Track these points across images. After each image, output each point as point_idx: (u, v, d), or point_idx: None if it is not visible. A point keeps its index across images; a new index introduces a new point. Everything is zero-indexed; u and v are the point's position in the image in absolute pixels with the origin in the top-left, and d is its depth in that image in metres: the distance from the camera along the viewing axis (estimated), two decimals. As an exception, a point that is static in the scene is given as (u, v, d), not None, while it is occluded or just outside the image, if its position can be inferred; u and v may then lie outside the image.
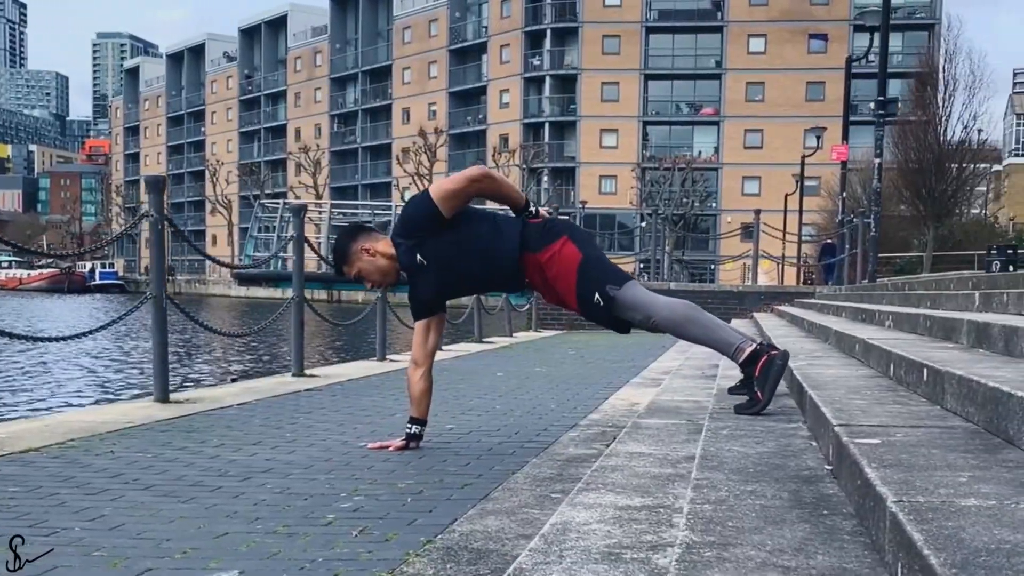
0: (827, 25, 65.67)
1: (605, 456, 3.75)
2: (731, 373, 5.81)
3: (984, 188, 44.45)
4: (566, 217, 4.70)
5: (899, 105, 34.16)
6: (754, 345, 4.29)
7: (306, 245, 8.98)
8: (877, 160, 18.91)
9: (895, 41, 62.89)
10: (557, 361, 10.68)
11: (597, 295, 4.45)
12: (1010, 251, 21.50)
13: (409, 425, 4.78)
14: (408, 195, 69.46)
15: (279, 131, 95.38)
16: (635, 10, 68.22)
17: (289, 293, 8.83)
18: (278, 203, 30.43)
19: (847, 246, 19.86)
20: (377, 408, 6.48)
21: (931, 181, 35.21)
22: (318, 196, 75.55)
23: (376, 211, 38.09)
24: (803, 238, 36.91)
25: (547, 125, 71.09)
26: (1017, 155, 69.99)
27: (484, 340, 14.14)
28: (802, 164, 35.50)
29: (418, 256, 4.52)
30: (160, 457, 4.57)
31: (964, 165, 36.79)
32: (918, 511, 1.69)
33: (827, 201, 47.96)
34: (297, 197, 71.52)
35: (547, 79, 71.39)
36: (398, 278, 4.79)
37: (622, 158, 66.68)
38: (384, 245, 4.66)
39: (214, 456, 4.60)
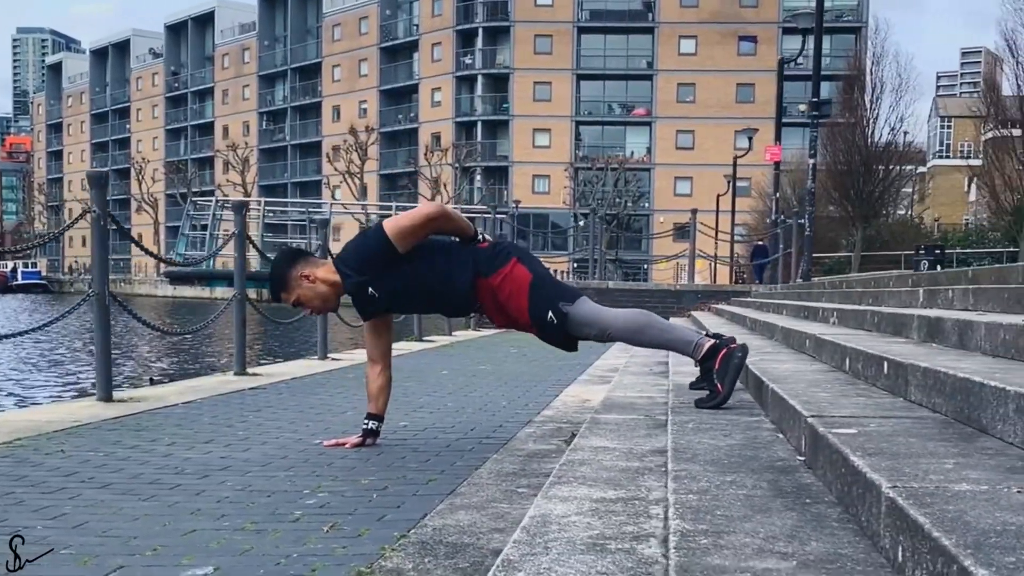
0: (756, 27, 66.54)
1: (571, 450, 3.76)
2: (683, 369, 5.86)
3: (910, 189, 45.21)
4: (512, 241, 4.69)
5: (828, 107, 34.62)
6: (712, 340, 4.34)
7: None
8: (811, 161, 19.20)
9: (826, 44, 63.91)
10: (500, 359, 10.68)
11: (550, 313, 4.44)
12: (937, 251, 21.98)
13: (366, 421, 4.75)
14: (339, 194, 69.18)
15: (206, 128, 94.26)
16: (567, 10, 68.51)
17: (218, 292, 8.73)
18: (211, 201, 30.06)
19: (781, 246, 20.13)
20: (326, 406, 6.43)
21: (859, 182, 35.80)
22: (246, 194, 74.76)
23: (310, 208, 37.85)
24: (735, 238, 37.32)
25: (480, 124, 71.12)
26: (941, 157, 71.46)
27: (424, 339, 14.12)
28: (734, 165, 35.92)
29: (370, 290, 4.46)
30: (112, 455, 4.50)
31: (891, 167, 37.44)
32: (916, 496, 1.72)
33: (758, 202, 48.58)
34: (225, 195, 70.70)
35: (479, 78, 71.43)
36: (339, 304, 4.70)
37: (555, 158, 66.92)
38: (325, 271, 4.54)
39: (167, 454, 4.54)
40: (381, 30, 78.14)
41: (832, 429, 2.48)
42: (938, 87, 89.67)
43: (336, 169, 71.87)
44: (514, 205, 38.17)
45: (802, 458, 2.78)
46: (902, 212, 44.78)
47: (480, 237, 4.60)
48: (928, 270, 20.70)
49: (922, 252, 21.43)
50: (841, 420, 2.67)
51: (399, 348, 12.58)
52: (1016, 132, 33.03)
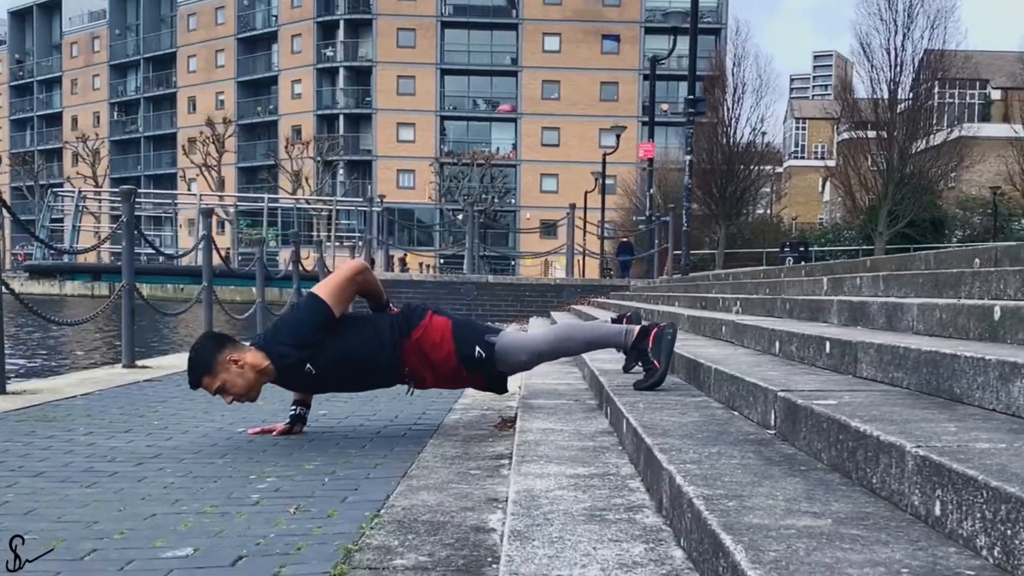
0: (619, 26, 67.56)
1: (520, 432, 3.80)
2: (599, 356, 5.94)
3: (768, 189, 46.53)
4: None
5: (704, 104, 35.24)
6: (639, 325, 4.54)
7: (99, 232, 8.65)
8: (688, 157, 19.59)
9: (684, 44, 65.27)
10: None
11: (478, 349, 4.47)
12: (802, 248, 22.70)
13: (294, 407, 4.70)
14: (195, 187, 67.61)
15: (54, 119, 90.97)
16: (430, 4, 68.44)
17: (68, 288, 8.40)
18: (73, 192, 29.09)
19: (657, 241, 20.48)
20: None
21: (722, 181, 36.67)
22: (97, 187, 72.46)
23: (160, 199, 36.89)
24: (604, 234, 37.83)
25: (342, 117, 70.45)
26: (797, 158, 73.71)
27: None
28: (604, 162, 36.40)
29: (308, 366, 4.33)
30: (32, 445, 4.35)
31: (752, 167, 38.47)
32: (947, 453, 1.80)
33: (623, 199, 49.29)
34: (75, 188, 68.39)
35: (341, 71, 70.76)
36: (259, 393, 4.47)
37: (420, 152, 66.75)
38: (253, 356, 4.33)
39: (90, 443, 4.42)
40: (238, 20, 76.67)
41: (813, 401, 2.56)
42: (791, 89, 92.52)
43: (192, 162, 70.22)
44: (379, 199, 37.97)
45: (772, 431, 2.86)
46: (761, 211, 46.05)
47: (390, 305, 4.67)
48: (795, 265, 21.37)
49: (787, 249, 22.12)
50: (812, 394, 2.76)
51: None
52: (871, 134, 34.29)
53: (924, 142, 33.71)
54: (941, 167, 34.15)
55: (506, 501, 3.15)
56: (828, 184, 61.06)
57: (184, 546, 2.67)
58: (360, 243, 17.99)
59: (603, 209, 36.69)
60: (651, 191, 25.01)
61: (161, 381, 7.25)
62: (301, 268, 14.45)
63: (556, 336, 4.71)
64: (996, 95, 50.45)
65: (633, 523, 2.34)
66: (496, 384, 4.71)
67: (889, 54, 34.88)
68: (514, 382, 6.89)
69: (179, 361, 9.01)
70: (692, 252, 37.13)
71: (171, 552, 2.62)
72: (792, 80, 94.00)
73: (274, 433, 4.63)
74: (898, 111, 33.99)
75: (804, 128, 77.93)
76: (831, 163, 61.05)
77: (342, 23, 70.32)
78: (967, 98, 47.48)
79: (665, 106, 65.28)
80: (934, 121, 36.02)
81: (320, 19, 71.00)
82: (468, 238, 20.80)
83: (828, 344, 3.56)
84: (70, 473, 3.72)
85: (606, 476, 2.91)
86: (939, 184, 35.13)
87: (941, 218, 37.19)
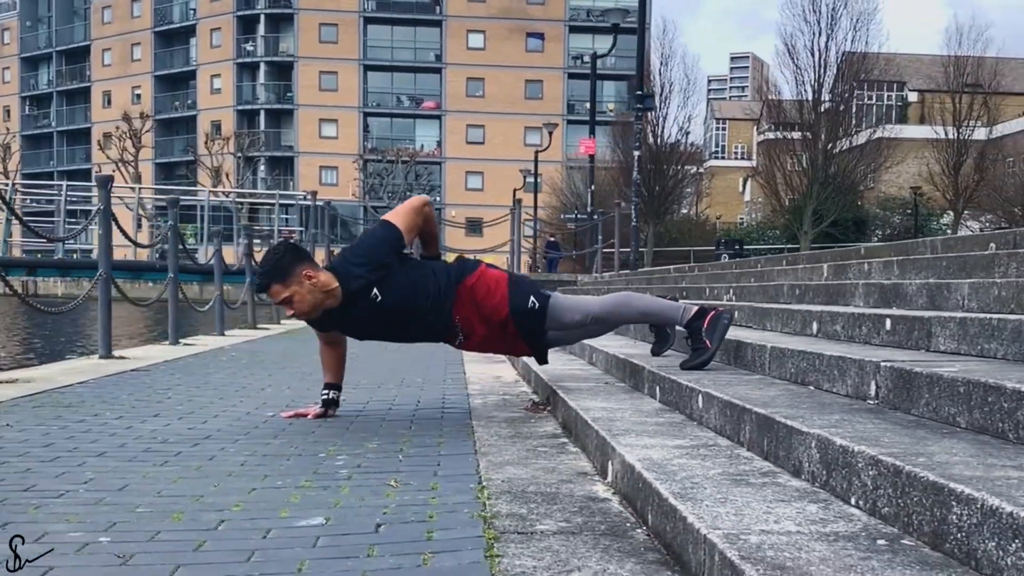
0: (543, 24, 67.80)
1: (584, 410, 3.84)
2: (611, 343, 6.02)
3: (691, 189, 47.13)
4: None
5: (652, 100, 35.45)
6: (697, 306, 4.54)
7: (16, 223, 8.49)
8: (636, 153, 19.77)
9: (607, 44, 65.78)
10: (349, 341, 10.63)
11: (532, 298, 4.49)
12: (737, 246, 23.07)
13: (326, 391, 4.67)
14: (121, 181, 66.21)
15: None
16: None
17: None
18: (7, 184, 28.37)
19: (600, 236, 20.63)
20: (237, 384, 6.31)
21: (650, 180, 37.06)
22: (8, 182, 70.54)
23: (70, 191, 36.10)
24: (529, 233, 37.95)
25: (263, 113, 69.62)
26: (717, 158, 74.75)
27: (258, 326, 13.86)
28: (536, 160, 36.61)
29: (375, 291, 4.31)
30: (70, 428, 4.29)
31: (679, 166, 38.97)
32: None
33: (551, 197, 49.49)
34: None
35: (262, 65, 69.94)
36: (320, 316, 4.48)
37: (343, 149, 66.28)
38: (326, 277, 4.33)
39: (128, 427, 4.36)
40: (155, 13, 75.31)
41: (934, 368, 2.65)
42: (709, 90, 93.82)
43: (108, 157, 68.81)
44: (307, 195, 37.65)
45: (874, 401, 2.94)
46: (685, 211, 46.62)
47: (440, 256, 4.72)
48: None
49: (722, 247, 22.45)
50: (917, 363, 2.84)
51: (240, 334, 12.37)
52: (795, 134, 34.95)
53: (848, 142, 34.46)
54: (863, 168, 34.94)
55: (597, 473, 3.20)
56: (749, 184, 62.03)
57: (311, 516, 2.67)
58: (301, 239, 17.81)
59: (535, 207, 36.83)
60: (592, 188, 25.15)
61: (149, 371, 7.15)
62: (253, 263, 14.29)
63: (614, 301, 4.67)
64: (913, 97, 51.74)
65: (782, 486, 2.40)
66: (539, 349, 4.72)
67: (813, 55, 35.59)
68: (499, 371, 6.99)
69: (155, 352, 8.89)
70: (622, 250, 37.52)
71: (303, 521, 2.62)
72: (710, 81, 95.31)
73: (309, 416, 4.60)
74: (822, 111, 34.69)
75: (724, 128, 79.08)
76: (751, 163, 62.12)
77: (263, 17, 69.53)
78: (884, 100, 48.57)
79: (589, 105, 65.73)
80: (855, 122, 36.82)
81: (240, 13, 70.09)
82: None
83: (889, 321, 3.65)
84: (134, 453, 3.68)
85: (709, 447, 2.97)
86: (861, 184, 35.94)
87: (863, 218, 38.09)
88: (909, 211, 39.75)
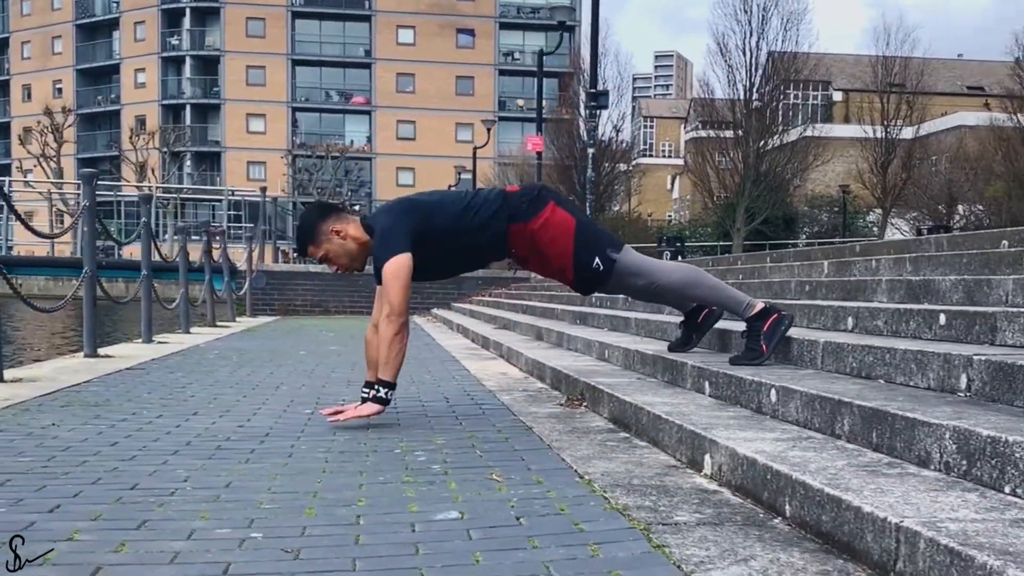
0: (474, 20, 67.75)
1: (646, 405, 3.93)
2: (620, 340, 6.12)
3: (622, 186, 47.51)
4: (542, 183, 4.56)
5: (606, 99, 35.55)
6: (763, 303, 4.46)
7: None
8: (591, 151, 19.89)
9: (538, 40, 65.87)
10: (323, 340, 10.66)
11: (597, 259, 4.40)
12: (678, 243, 23.37)
13: (380, 389, 4.29)
14: (31, 178, 64.86)
15: None
16: (280, -7, 67.44)
17: None
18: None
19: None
20: (251, 382, 6.33)
21: (583, 177, 37.27)
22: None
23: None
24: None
25: (189, 107, 68.59)
26: (645, 155, 75.46)
27: (218, 324, 13.77)
28: (474, 157, 36.54)
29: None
30: (122, 427, 4.28)
31: (613, 164, 39.27)
32: None
33: (480, 192, 49.49)
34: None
35: (188, 60, 68.87)
36: (364, 264, 4.52)
37: (271, 144, 65.55)
38: (355, 229, 4.38)
39: (177, 425, 4.37)
40: (76, 5, 73.71)
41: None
42: (634, 88, 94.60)
43: (29, 152, 67.32)
44: (261, 192, 37.26)
45: (965, 394, 3.07)
46: (617, 208, 46.99)
47: None
48: (671, 259, 21.99)
49: (664, 243, 22.70)
50: (1010, 355, 2.98)
51: (204, 332, 12.30)
52: (727, 133, 35.44)
53: (779, 139, 35.02)
54: (793, 167, 35.56)
55: (686, 466, 3.30)
56: (677, 182, 62.74)
57: (443, 510, 2.73)
58: (252, 236, 17.71)
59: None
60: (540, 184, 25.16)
61: (146, 369, 7.12)
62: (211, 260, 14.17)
63: (683, 277, 4.53)
64: (838, 96, 52.74)
65: (918, 477, 2.50)
66: (589, 293, 4.70)
67: (745, 54, 36.12)
68: (502, 367, 7.06)
69: (136, 351, 8.82)
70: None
71: (440, 515, 2.68)
72: (635, 79, 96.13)
73: (365, 415, 4.28)
74: (755, 109, 35.21)
75: (652, 126, 79.86)
76: (679, 161, 62.78)
77: (188, 11, 68.48)
78: (810, 99, 49.42)
79: (521, 102, 65.89)
80: (784, 121, 37.42)
81: (165, 6, 68.95)
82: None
83: (943, 316, 3.80)
84: (206, 450, 3.70)
85: (806, 439, 3.08)
86: (791, 183, 36.55)
87: (792, 215, 38.72)
88: (836, 209, 40.52)
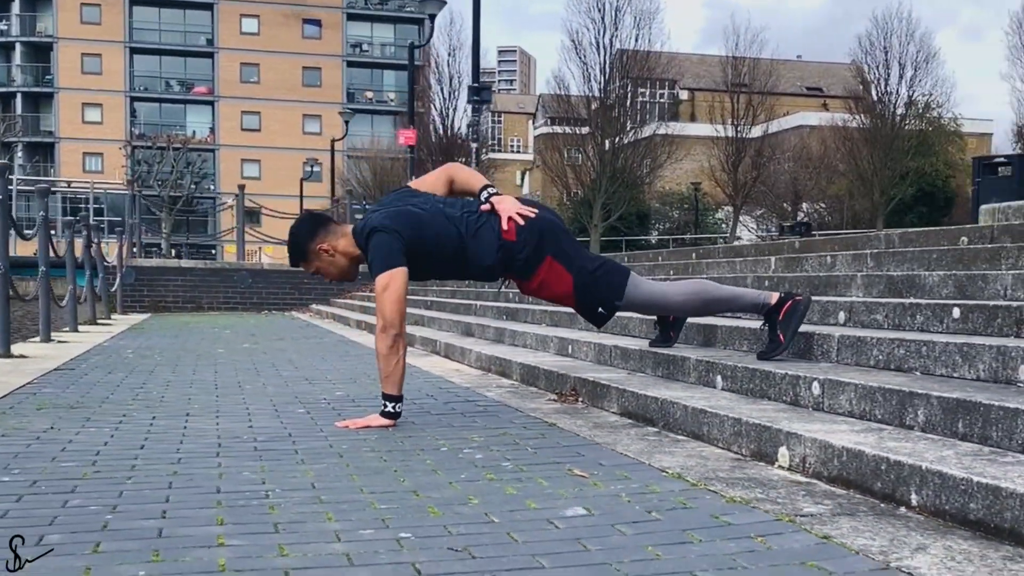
0: (320, 11, 66.79)
1: (678, 400, 4.00)
2: (595, 338, 6.19)
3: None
4: (536, 210, 4.29)
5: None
6: (777, 294, 4.44)
7: None
8: (474, 145, 19.91)
9: (387, 33, 65.57)
10: (227, 338, 10.44)
11: (601, 308, 4.46)
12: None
13: (387, 404, 4.22)
14: None
15: None
16: (116, -21, 65.21)
17: None
18: None
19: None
20: (200, 381, 6.17)
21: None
22: None
23: None
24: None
25: (19, 96, 65.66)
26: (494, 151, 75.74)
27: (98, 321, 13.30)
28: (332, 149, 36.10)
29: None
30: (124, 431, 4.14)
31: (467, 159, 39.34)
32: None
33: (337, 187, 48.96)
34: None
35: (18, 46, 65.92)
36: (356, 274, 4.53)
37: (109, 135, 63.25)
38: (345, 242, 4.35)
39: (183, 427, 4.25)
40: None
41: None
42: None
43: None
44: (128, 186, 35.88)
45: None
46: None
47: (488, 193, 4.37)
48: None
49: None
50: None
51: (92, 330, 11.93)
52: (584, 129, 35.98)
53: (633, 135, 35.73)
54: (648, 164, 36.33)
55: (751, 458, 3.38)
56: (527, 177, 63.29)
57: (565, 507, 2.73)
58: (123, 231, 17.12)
59: (332, 197, 36.40)
60: (413, 178, 25.05)
61: (76, 369, 6.90)
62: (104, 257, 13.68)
63: (690, 296, 4.51)
64: (684, 95, 54.09)
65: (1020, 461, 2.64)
66: (596, 324, 4.65)
67: (599, 52, 36.71)
68: (450, 363, 7.07)
69: (46, 350, 8.48)
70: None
71: (568, 512, 2.68)
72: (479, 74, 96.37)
73: (373, 426, 4.19)
74: (608, 106, 35.83)
75: (500, 122, 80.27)
76: (528, 157, 63.31)
77: (18, -6, 65.67)
78: (657, 97, 50.56)
79: (369, 94, 65.42)
80: (638, 118, 38.20)
81: (-8, -10, 65.97)
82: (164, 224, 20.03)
83: (957, 310, 3.99)
84: (248, 453, 3.61)
85: (879, 431, 3.19)
86: (645, 179, 37.35)
87: (646, 212, 39.56)
88: (687, 206, 41.60)
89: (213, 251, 52.64)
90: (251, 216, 46.96)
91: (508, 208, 4.30)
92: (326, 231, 4.40)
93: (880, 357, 3.89)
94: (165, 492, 2.95)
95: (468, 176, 4.54)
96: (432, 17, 21.11)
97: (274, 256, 36.28)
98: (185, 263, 18.31)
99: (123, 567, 2.20)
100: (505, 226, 4.26)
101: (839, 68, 54.09)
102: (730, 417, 3.57)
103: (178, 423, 4.32)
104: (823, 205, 36.35)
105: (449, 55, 40.31)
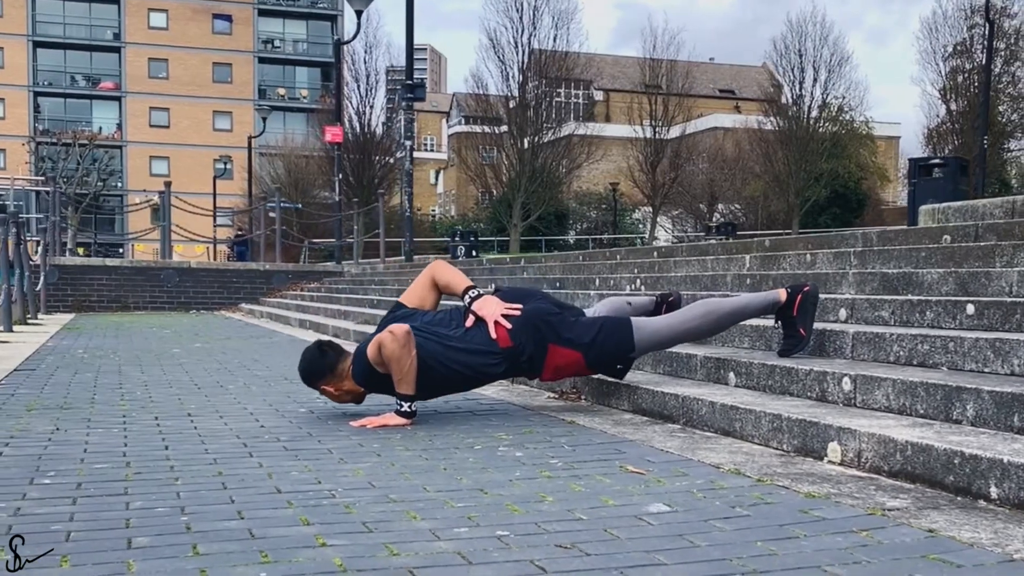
0: (231, 6, 65.71)
1: (704, 396, 4.01)
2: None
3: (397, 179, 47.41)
4: (519, 307, 4.25)
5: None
6: (784, 290, 4.40)
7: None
8: (408, 143, 19.69)
9: (300, 29, 64.80)
10: (178, 339, 10.25)
11: (618, 365, 4.42)
12: (472, 237, 23.53)
13: (402, 404, 4.19)
14: None
15: None
16: (17, -29, 63.40)
17: None
18: None
19: (357, 227, 20.45)
20: (178, 381, 6.03)
21: (357, 169, 37.03)
22: None
23: None
24: (221, 220, 36.96)
25: (-85, 90, 63.59)
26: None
27: (29, 322, 12.94)
28: (249, 146, 35.53)
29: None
30: (135, 432, 4.03)
31: (385, 157, 39.13)
32: None
33: (245, 184, 48.32)
34: None
35: (-87, 37, 63.84)
36: (364, 398, 4.52)
37: (11, 130, 61.42)
38: (349, 385, 4.37)
39: (193, 427, 4.14)
40: None
41: None
42: (388, 81, 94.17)
43: None
44: (51, 182, 34.88)
45: None
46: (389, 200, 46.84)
47: (470, 298, 4.33)
48: (466, 255, 22.13)
49: (459, 239, 22.81)
50: None
51: (29, 329, 11.60)
52: (503, 128, 36.02)
53: (552, 134, 35.87)
54: (567, 164, 36.52)
55: (796, 454, 3.40)
56: (442, 176, 63.09)
57: (644, 503, 2.72)
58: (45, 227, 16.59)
59: (250, 196, 35.95)
60: (339, 176, 24.82)
61: (36, 369, 6.68)
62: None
63: (701, 312, 4.41)
64: (599, 96, 54.42)
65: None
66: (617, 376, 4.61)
67: (517, 51, 36.79)
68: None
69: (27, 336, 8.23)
70: (323, 241, 37.32)
71: (652, 507, 2.67)
72: (388, 71, 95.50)
73: (390, 425, 4.16)
74: (526, 105, 35.93)
75: (412, 119, 79.61)
76: (442, 156, 63.15)
77: (-88, -16, 63.51)
78: (573, 97, 50.83)
79: (282, 91, 64.58)
80: (554, 118, 38.37)
81: None
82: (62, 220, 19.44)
83: (972, 306, 4.06)
84: (278, 452, 3.53)
85: (927, 426, 3.23)
86: (563, 179, 37.53)
87: (564, 212, 39.74)
88: (605, 206, 41.87)
89: (121, 250, 51.51)
90: (159, 214, 46.17)
91: (492, 313, 4.27)
92: (332, 374, 4.40)
93: (901, 353, 3.94)
94: (224, 493, 2.87)
95: (450, 277, 4.48)
96: (359, 13, 20.88)
97: (184, 255, 35.69)
98: (110, 261, 17.87)
99: (240, 568, 2.13)
100: (493, 334, 4.24)
101: (750, 71, 55.04)
102: (767, 413, 3.58)
103: (185, 424, 4.21)
104: (738, 206, 36.89)
105: (366, 52, 40.03)
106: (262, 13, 65.97)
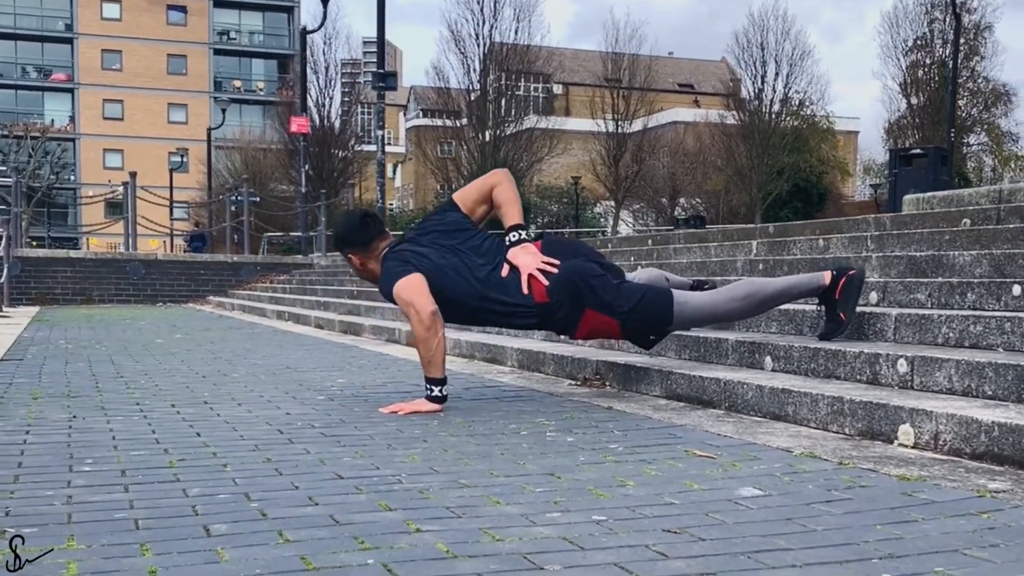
0: (186, -3, 64.82)
1: (748, 381, 3.90)
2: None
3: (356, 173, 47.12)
4: (556, 263, 4.05)
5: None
6: (829, 272, 4.24)
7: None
8: (380, 132, 19.51)
9: (255, 20, 64.08)
10: (146, 329, 10.04)
11: (652, 336, 4.33)
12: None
13: (433, 388, 4.06)
14: None
15: None
16: (-38, -40, 62.14)
17: None
18: None
19: (324, 219, 20.22)
20: (180, 369, 5.85)
21: (317, 162, 36.67)
22: None
23: None
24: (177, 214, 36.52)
25: None
26: (366, 142, 74.69)
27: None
28: (209, 139, 35.08)
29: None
30: (157, 421, 3.85)
31: (345, 151, 38.83)
32: None
33: (202, 176, 47.80)
34: None
35: None
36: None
37: (-40, 122, 60.36)
38: (375, 264, 4.26)
39: (216, 415, 3.97)
40: None
41: None
42: (343, 75, 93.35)
43: None
44: (14, 173, 34.16)
45: None
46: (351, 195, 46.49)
47: (510, 240, 4.16)
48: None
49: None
50: None
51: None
52: (463, 121, 35.84)
53: (514, 126, 35.76)
54: (528, 158, 36.42)
55: (860, 436, 3.29)
56: (399, 169, 62.76)
57: (733, 487, 2.59)
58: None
59: (210, 189, 35.50)
60: (306, 168, 24.49)
61: (23, 358, 6.44)
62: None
63: (744, 293, 4.24)
64: (558, 90, 54.37)
65: None
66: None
67: (478, 44, 36.64)
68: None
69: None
70: (281, 235, 36.97)
71: (742, 491, 2.54)
72: (342, 64, 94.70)
73: (423, 412, 4.01)
74: (488, 99, 35.79)
75: (368, 113, 79.14)
76: (400, 149, 62.87)
77: None
78: (531, 91, 50.74)
79: (238, 83, 63.82)
80: (515, 111, 38.27)
81: None
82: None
83: (1018, 287, 3.97)
84: (320, 440, 3.38)
85: (1000, 407, 3.13)
86: (525, 173, 37.42)
87: (526, 206, 39.58)
88: (567, 200, 41.80)
89: (76, 243, 50.76)
90: (115, 208, 45.56)
91: (527, 264, 4.09)
92: (364, 246, 4.30)
93: (951, 335, 3.85)
94: (283, 479, 2.72)
95: (506, 201, 4.25)
96: (325, 3, 20.66)
97: (139, 248, 35.19)
98: (74, 253, 17.48)
99: (341, 555, 1.98)
100: (525, 289, 4.08)
101: (709, 65, 55.27)
102: (825, 396, 3.47)
103: (206, 411, 4.04)
104: (699, 200, 36.98)
105: (325, 44, 39.61)
106: (217, 4, 65.09)
